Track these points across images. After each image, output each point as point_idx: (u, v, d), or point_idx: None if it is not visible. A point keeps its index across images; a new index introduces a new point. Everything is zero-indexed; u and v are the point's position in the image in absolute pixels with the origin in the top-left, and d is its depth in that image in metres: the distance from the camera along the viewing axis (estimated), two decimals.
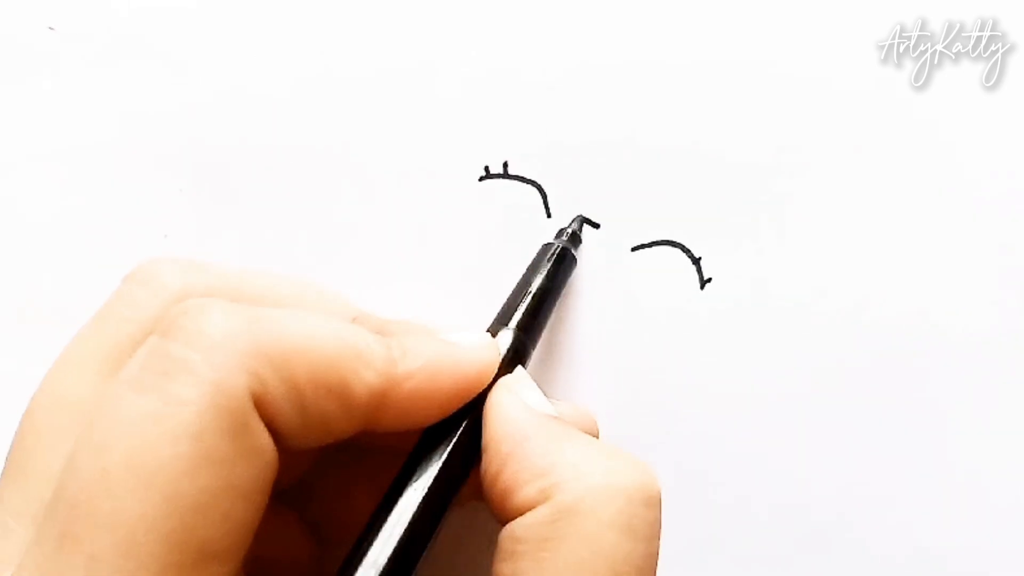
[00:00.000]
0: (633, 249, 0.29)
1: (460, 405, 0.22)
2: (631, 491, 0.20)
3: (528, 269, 0.27)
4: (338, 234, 0.30)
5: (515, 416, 0.22)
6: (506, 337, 0.24)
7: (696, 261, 0.29)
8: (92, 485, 0.18)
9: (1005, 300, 0.29)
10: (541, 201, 0.30)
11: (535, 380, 0.24)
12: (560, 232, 0.29)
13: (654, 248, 0.29)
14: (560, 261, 0.27)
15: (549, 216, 0.30)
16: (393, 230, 0.30)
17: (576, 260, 0.28)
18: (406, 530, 0.20)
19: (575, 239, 0.28)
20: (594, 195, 0.29)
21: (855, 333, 0.29)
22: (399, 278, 0.30)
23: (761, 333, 0.29)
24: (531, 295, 0.26)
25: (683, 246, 0.29)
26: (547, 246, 0.28)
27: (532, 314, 0.25)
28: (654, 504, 0.20)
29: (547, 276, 0.26)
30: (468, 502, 0.25)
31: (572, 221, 0.29)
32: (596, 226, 0.29)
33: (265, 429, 0.19)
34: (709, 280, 0.29)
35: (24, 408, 0.22)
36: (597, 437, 0.26)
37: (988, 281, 0.29)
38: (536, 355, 0.27)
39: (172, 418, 0.18)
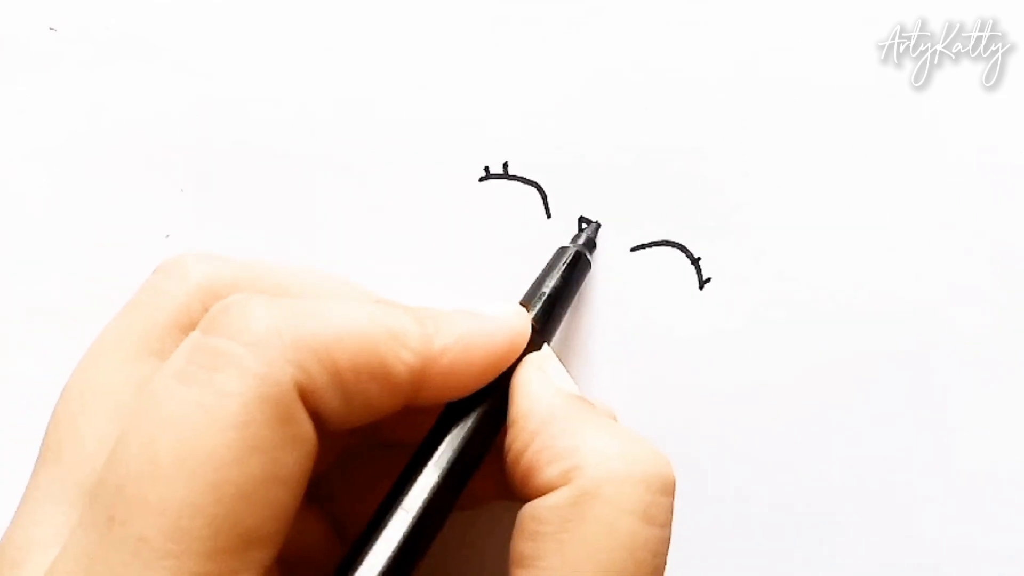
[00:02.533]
0: (633, 249, 0.29)
1: (494, 377, 0.23)
2: (650, 478, 0.20)
3: (543, 271, 0.27)
4: (338, 234, 0.30)
5: (543, 394, 0.22)
6: (530, 315, 0.25)
7: (696, 261, 0.29)
8: (141, 472, 0.18)
9: (1005, 298, 0.29)
10: (541, 201, 0.30)
11: None
12: (576, 236, 0.29)
13: (654, 248, 0.29)
14: (575, 265, 0.27)
15: (549, 216, 0.30)
16: (393, 230, 0.30)
17: (590, 264, 0.28)
18: (427, 502, 0.21)
19: (590, 244, 0.29)
20: (594, 195, 0.29)
21: (855, 332, 0.29)
22: (399, 278, 0.30)
23: (760, 333, 0.29)
24: (545, 295, 0.26)
25: (682, 246, 0.29)
26: (563, 249, 0.28)
27: (546, 312, 0.26)
28: (670, 491, 0.21)
29: (562, 278, 0.27)
30: (484, 503, 0.25)
31: (589, 226, 0.29)
32: (596, 226, 0.29)
33: (308, 417, 0.20)
34: (708, 280, 0.29)
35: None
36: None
37: (988, 280, 0.29)
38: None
39: (219, 409, 0.18)
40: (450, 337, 0.22)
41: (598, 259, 0.29)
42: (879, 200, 0.29)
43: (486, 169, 0.30)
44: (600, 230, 0.29)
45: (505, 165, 0.30)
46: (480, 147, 0.30)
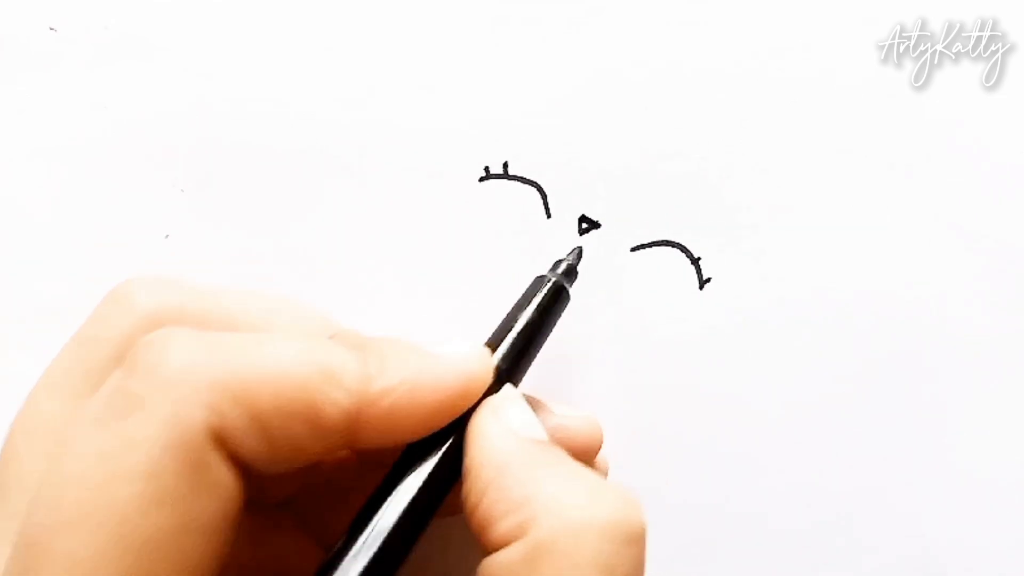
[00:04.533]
0: (633, 249, 0.29)
1: (446, 422, 0.21)
2: (611, 528, 0.19)
3: (517, 303, 0.25)
4: (338, 234, 0.30)
5: (496, 442, 0.21)
6: (494, 355, 0.23)
7: (695, 261, 0.29)
8: (50, 523, 0.18)
9: (1005, 298, 0.29)
10: (541, 201, 0.30)
11: (535, 383, 0.23)
12: (556, 264, 0.27)
13: (654, 248, 0.29)
14: (555, 297, 0.25)
15: (549, 216, 0.30)
16: (393, 230, 0.30)
17: (570, 297, 0.26)
18: (378, 551, 0.20)
19: (571, 273, 0.27)
20: (594, 195, 0.29)
21: (855, 332, 0.29)
22: (400, 278, 0.30)
23: (760, 333, 0.29)
24: (517, 331, 0.24)
25: (682, 246, 0.29)
26: (541, 279, 0.26)
27: (517, 350, 0.24)
28: (636, 540, 0.19)
29: (538, 311, 0.25)
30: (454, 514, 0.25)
31: (570, 253, 0.27)
32: (596, 226, 0.29)
33: (225, 463, 0.19)
34: (708, 280, 0.29)
35: (15, 407, 0.23)
36: (599, 446, 0.25)
37: (988, 280, 0.29)
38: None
39: (127, 457, 0.18)
40: (394, 378, 0.20)
41: (598, 259, 0.29)
42: (879, 200, 0.29)
43: (486, 169, 0.30)
44: (587, 225, 0.28)
45: (505, 165, 0.30)
46: (480, 147, 0.30)
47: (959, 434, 0.29)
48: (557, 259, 0.27)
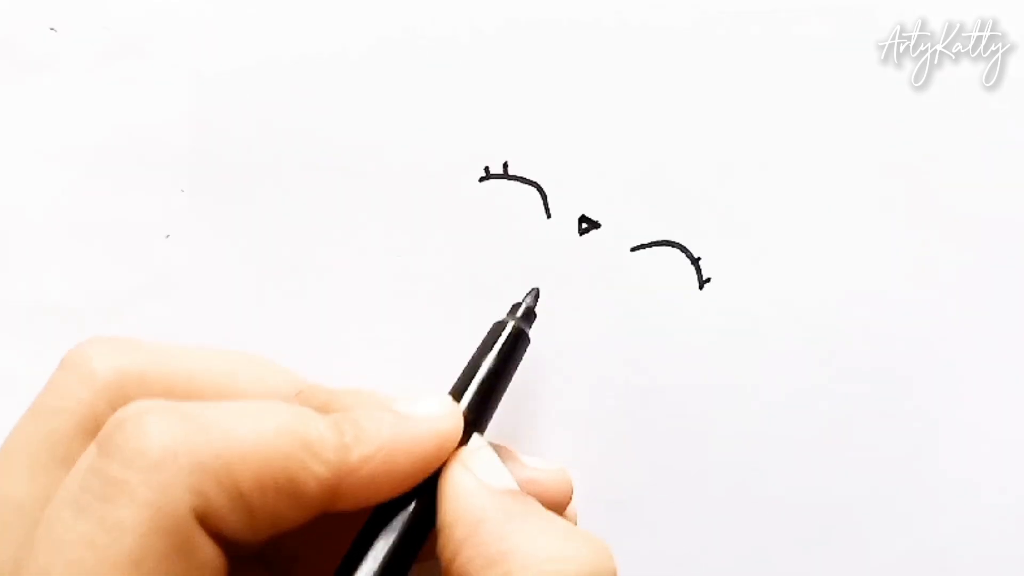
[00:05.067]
0: (633, 249, 0.29)
1: (420, 481, 0.22)
2: None
3: (478, 350, 0.25)
4: (338, 234, 0.30)
5: (470, 498, 0.21)
6: (461, 409, 0.23)
7: (695, 261, 0.29)
8: None
9: (1006, 300, 0.29)
10: (541, 201, 0.30)
11: (535, 382, 0.23)
12: (514, 307, 0.27)
13: (654, 248, 0.29)
14: (513, 343, 0.25)
15: (549, 216, 0.30)
16: (393, 230, 0.30)
17: (529, 340, 0.26)
18: None
19: (529, 316, 0.27)
20: (594, 195, 0.29)
21: (854, 332, 0.29)
22: (400, 278, 0.30)
23: (760, 333, 0.29)
24: (479, 380, 0.24)
25: (682, 246, 0.29)
26: (500, 324, 0.26)
27: (481, 400, 0.24)
28: None
29: (499, 357, 0.25)
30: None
31: (526, 295, 0.27)
32: (596, 226, 0.29)
33: (209, 541, 0.19)
34: (708, 280, 0.29)
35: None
36: (569, 499, 0.26)
37: (988, 281, 0.29)
38: (536, 355, 0.27)
39: (112, 544, 0.18)
40: (371, 446, 0.21)
41: (598, 259, 0.29)
42: (879, 200, 0.29)
43: (486, 169, 0.30)
44: (539, 299, 0.28)
45: (505, 165, 0.30)
46: (480, 147, 0.30)
47: (960, 434, 0.29)
48: (514, 302, 0.27)
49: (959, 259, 0.29)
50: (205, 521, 0.19)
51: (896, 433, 0.29)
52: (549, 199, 0.30)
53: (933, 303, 0.29)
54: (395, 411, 0.22)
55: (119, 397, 0.22)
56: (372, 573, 0.21)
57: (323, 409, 0.22)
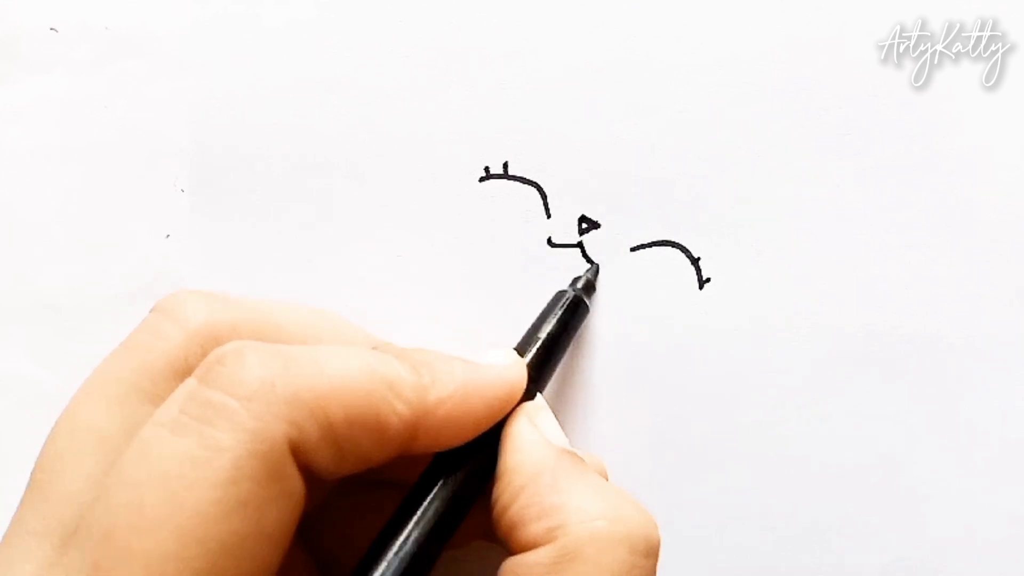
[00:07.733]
0: (633, 249, 0.29)
1: (489, 427, 0.23)
2: (634, 540, 0.21)
3: (540, 315, 0.27)
4: (338, 234, 0.30)
5: (532, 449, 0.22)
6: (525, 363, 0.24)
7: (695, 261, 0.29)
8: (129, 522, 0.18)
9: (1005, 298, 0.29)
10: (541, 201, 0.30)
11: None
12: (575, 280, 0.29)
13: (654, 248, 0.29)
14: (573, 310, 0.27)
15: (549, 216, 0.30)
16: (394, 230, 0.30)
17: (588, 309, 0.28)
18: (411, 556, 0.21)
19: (588, 288, 0.28)
20: (594, 195, 0.29)
21: (854, 332, 0.29)
22: (400, 278, 0.30)
23: (760, 333, 0.29)
24: (541, 341, 0.25)
25: (682, 246, 0.29)
26: (562, 293, 0.27)
27: (542, 359, 0.25)
28: (653, 553, 0.21)
29: (559, 323, 0.26)
30: (472, 542, 0.25)
31: (587, 270, 0.29)
32: (596, 226, 0.29)
33: (298, 472, 0.20)
34: (708, 280, 0.29)
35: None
36: (607, 478, 0.26)
37: (988, 281, 0.29)
38: None
39: (210, 463, 0.18)
40: (447, 389, 0.22)
41: (598, 259, 0.29)
42: (879, 200, 0.29)
43: (486, 169, 0.30)
44: (600, 272, 0.29)
45: (505, 165, 0.30)
46: (480, 147, 0.30)
47: (959, 433, 0.29)
48: (576, 275, 0.29)
49: (959, 259, 0.29)
50: (297, 452, 0.19)
51: (898, 432, 0.29)
52: (549, 199, 0.30)
53: (932, 303, 0.29)
54: (467, 360, 0.23)
55: (211, 341, 0.22)
56: (436, 511, 0.22)
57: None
